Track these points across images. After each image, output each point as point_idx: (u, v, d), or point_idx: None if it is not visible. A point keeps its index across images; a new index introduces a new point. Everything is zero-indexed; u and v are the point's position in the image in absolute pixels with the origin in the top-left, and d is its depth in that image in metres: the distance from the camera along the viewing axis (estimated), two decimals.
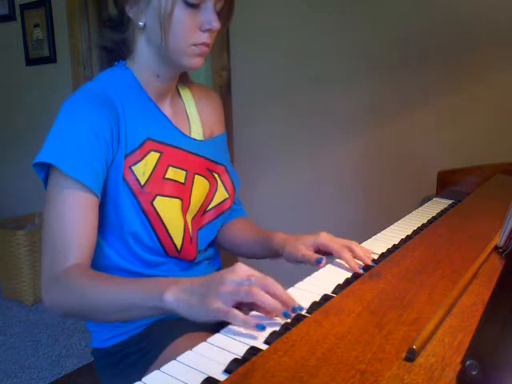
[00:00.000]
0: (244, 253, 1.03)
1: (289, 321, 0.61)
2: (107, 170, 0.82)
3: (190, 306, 0.62)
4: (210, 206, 0.97)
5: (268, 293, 0.61)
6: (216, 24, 0.81)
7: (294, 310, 0.62)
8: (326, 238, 0.85)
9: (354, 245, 0.83)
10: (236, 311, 0.59)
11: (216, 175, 0.98)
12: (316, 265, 0.82)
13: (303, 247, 0.86)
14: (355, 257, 0.82)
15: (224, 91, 2.16)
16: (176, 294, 0.63)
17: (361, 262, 0.81)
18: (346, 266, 0.81)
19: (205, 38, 0.82)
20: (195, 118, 0.99)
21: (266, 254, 0.96)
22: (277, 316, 0.62)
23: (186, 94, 1.00)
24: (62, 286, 0.73)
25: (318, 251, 0.86)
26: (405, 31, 1.74)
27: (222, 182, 0.99)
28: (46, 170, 0.80)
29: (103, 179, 0.81)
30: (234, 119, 2.20)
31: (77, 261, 0.75)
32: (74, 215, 0.76)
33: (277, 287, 0.62)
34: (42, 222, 0.79)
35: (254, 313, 0.63)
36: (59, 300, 0.74)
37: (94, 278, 0.73)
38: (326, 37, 1.91)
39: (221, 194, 0.98)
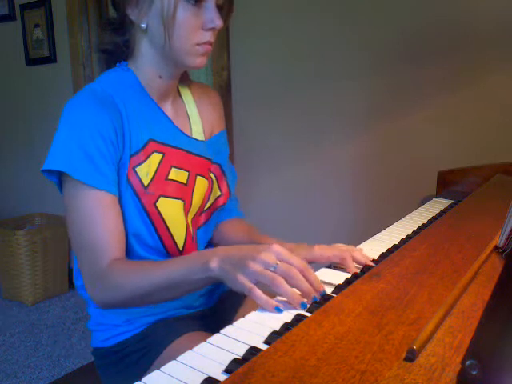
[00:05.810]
0: None
1: (305, 311, 0.63)
2: (118, 167, 0.83)
3: (227, 272, 0.67)
4: (207, 206, 0.97)
5: (290, 283, 0.64)
6: (219, 22, 0.81)
7: (314, 299, 0.65)
8: (322, 250, 0.82)
9: (354, 251, 0.81)
10: (259, 291, 0.63)
11: (212, 175, 0.98)
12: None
13: None
14: (357, 263, 0.80)
15: (224, 91, 2.16)
16: (218, 261, 0.68)
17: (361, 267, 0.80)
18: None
19: (208, 36, 0.82)
20: (196, 117, 0.99)
21: None
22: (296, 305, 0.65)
23: (186, 94, 1.00)
24: (108, 283, 0.77)
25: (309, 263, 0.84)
26: (404, 31, 1.74)
27: (217, 181, 0.99)
28: (57, 174, 0.81)
29: (116, 175, 0.82)
30: (234, 119, 2.20)
31: (114, 256, 0.79)
32: (97, 216, 0.78)
33: (298, 278, 0.64)
34: (67, 226, 0.82)
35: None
36: (108, 296, 0.79)
37: (140, 267, 0.78)
38: (326, 37, 1.91)
39: (215, 193, 0.98)
